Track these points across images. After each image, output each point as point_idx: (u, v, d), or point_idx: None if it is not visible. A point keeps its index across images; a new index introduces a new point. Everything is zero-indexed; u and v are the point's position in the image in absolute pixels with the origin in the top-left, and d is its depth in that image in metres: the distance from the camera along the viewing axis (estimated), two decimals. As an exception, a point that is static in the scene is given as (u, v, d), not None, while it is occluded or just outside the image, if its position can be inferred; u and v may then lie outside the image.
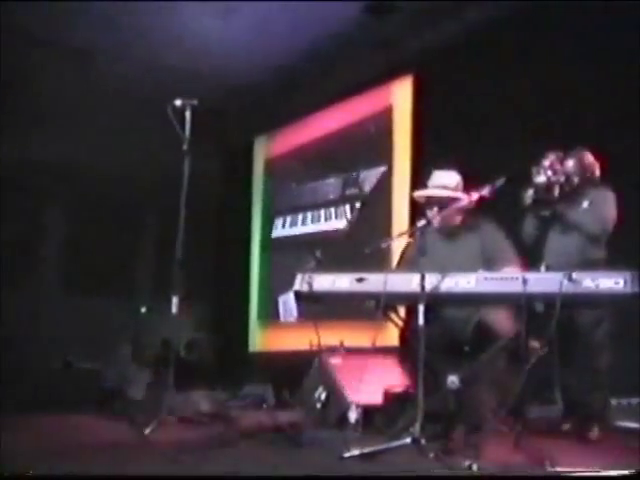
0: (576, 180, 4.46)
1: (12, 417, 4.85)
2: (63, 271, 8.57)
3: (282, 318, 8.41)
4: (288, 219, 8.64)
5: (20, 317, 7.74)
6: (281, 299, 8.41)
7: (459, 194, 4.16)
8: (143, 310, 8.20)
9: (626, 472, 2.95)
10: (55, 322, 8.00)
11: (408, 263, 4.17)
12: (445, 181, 4.24)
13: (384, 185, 7.18)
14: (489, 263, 3.97)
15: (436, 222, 4.03)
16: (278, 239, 8.77)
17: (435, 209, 4.09)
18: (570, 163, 4.48)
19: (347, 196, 7.78)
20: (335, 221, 7.90)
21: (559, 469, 3.11)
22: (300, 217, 8.44)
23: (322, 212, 8.09)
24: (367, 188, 7.50)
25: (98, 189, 8.47)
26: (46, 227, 8.50)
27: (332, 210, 7.96)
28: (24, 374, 6.76)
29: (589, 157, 4.51)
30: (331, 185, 8.01)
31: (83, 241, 8.56)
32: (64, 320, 7.98)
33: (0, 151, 7.48)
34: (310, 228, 8.28)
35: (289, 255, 8.37)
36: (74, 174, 8.33)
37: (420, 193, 4.33)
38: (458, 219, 4.26)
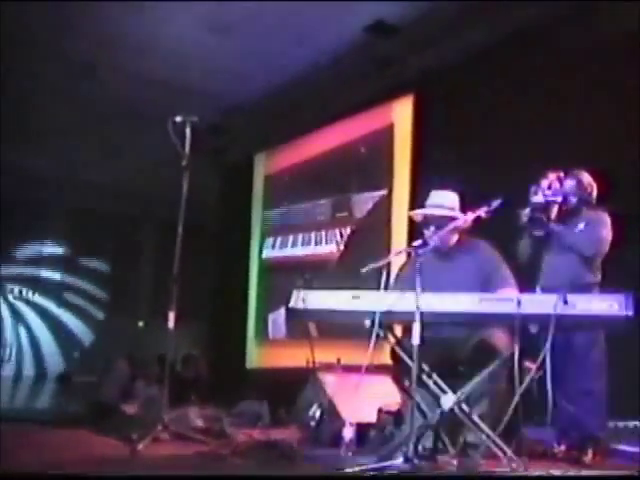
0: (573, 201, 4.46)
1: (8, 428, 4.85)
2: (63, 285, 8.58)
3: (271, 336, 8.44)
4: (279, 239, 8.65)
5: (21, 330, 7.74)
6: (270, 317, 8.45)
7: (456, 213, 4.19)
8: (140, 325, 8.20)
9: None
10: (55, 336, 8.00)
11: (404, 283, 4.17)
12: (442, 201, 4.27)
13: (380, 208, 7.20)
14: (486, 284, 3.99)
15: (433, 242, 4.04)
16: (269, 259, 8.77)
17: (432, 228, 4.13)
18: (568, 183, 4.48)
19: (337, 219, 7.79)
20: (326, 245, 7.91)
21: None
22: (291, 238, 8.45)
23: (312, 235, 8.11)
24: (357, 213, 7.51)
25: (97, 204, 8.50)
26: (44, 242, 8.51)
27: (323, 233, 7.97)
28: (22, 386, 6.77)
29: (587, 178, 4.52)
30: (322, 207, 8.03)
31: (82, 255, 8.57)
32: (64, 334, 7.98)
33: (1, 165, 7.52)
34: (300, 250, 8.28)
35: (280, 275, 8.43)
36: (73, 188, 8.36)
37: (417, 212, 4.36)
38: (455, 239, 4.27)
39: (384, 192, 7.21)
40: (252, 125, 8.68)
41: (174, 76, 7.53)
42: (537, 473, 3.21)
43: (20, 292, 8.57)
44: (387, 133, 7.27)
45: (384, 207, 7.15)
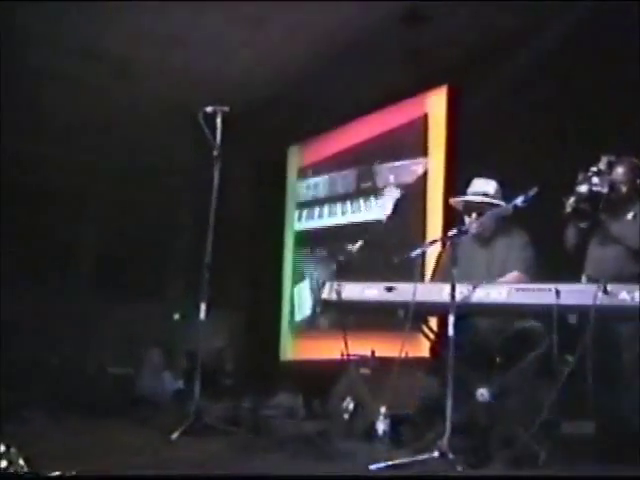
0: (623, 189, 4.31)
1: (44, 419, 4.88)
2: (96, 276, 8.64)
3: (296, 310, 8.43)
4: (305, 212, 8.64)
5: (55, 322, 7.82)
6: (296, 290, 8.43)
7: (498, 201, 4.14)
8: (176, 317, 8.22)
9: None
10: (89, 327, 8.07)
11: (443, 270, 4.13)
12: (485, 188, 4.24)
13: (414, 195, 7.13)
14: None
15: (473, 229, 4.02)
16: (299, 235, 8.78)
17: (473, 216, 4.10)
18: (619, 169, 4.32)
19: (362, 190, 7.77)
20: (351, 215, 7.88)
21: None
22: (317, 210, 8.43)
23: (339, 206, 8.09)
24: (380, 182, 7.47)
25: (132, 194, 8.54)
26: (79, 232, 8.57)
27: (348, 204, 7.93)
28: (58, 378, 6.84)
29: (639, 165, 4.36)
30: (345, 177, 8.00)
31: (117, 246, 8.62)
32: (98, 325, 8.05)
33: (34, 155, 7.59)
34: (327, 221, 8.26)
35: (306, 248, 8.51)
36: (107, 179, 8.40)
37: (459, 199, 4.31)
38: (495, 227, 4.22)
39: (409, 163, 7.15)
40: (285, 117, 8.64)
41: (207, 69, 7.52)
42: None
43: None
44: (421, 123, 7.19)
45: (418, 195, 7.07)
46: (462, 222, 4.19)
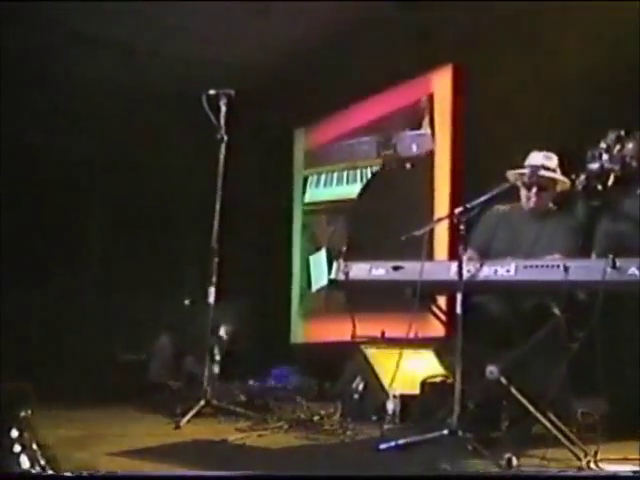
0: (634, 164, 4.27)
1: (57, 408, 4.91)
2: (107, 264, 8.66)
3: (313, 280, 8.37)
4: (322, 177, 8.57)
5: (65, 310, 7.85)
6: (312, 259, 8.39)
7: (559, 176, 4.09)
8: (187, 303, 8.24)
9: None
10: (101, 314, 8.11)
11: (498, 243, 4.09)
12: (545, 162, 4.12)
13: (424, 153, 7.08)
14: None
15: (532, 203, 4.04)
16: (313, 200, 8.74)
17: (533, 190, 4.04)
18: (629, 144, 4.27)
19: (383, 156, 7.70)
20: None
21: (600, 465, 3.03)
22: (335, 176, 8.38)
23: (358, 172, 8.01)
24: (401, 150, 7.40)
25: (140, 182, 8.53)
26: (88, 221, 8.59)
27: (368, 170, 7.87)
28: (71, 366, 6.88)
29: None
30: (366, 144, 7.91)
31: (126, 234, 8.63)
32: (110, 312, 8.08)
33: (41, 147, 7.60)
34: (345, 189, 8.20)
35: (321, 217, 8.50)
36: (114, 168, 8.40)
37: (519, 171, 4.14)
38: (549, 202, 4.16)
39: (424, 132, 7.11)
40: (292, 100, 8.62)
41: (214, 53, 7.51)
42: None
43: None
44: (427, 103, 7.15)
45: (426, 175, 7.03)
46: (518, 197, 4.15)
